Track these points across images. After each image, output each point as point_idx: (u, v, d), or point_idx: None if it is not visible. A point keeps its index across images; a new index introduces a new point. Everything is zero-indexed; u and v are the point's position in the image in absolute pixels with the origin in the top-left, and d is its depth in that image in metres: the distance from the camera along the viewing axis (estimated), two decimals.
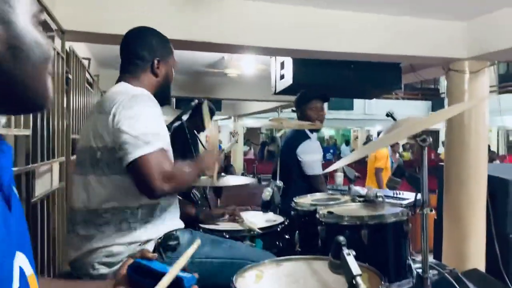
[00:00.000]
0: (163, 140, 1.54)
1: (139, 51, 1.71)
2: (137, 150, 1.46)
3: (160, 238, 1.61)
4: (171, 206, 1.69)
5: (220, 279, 1.58)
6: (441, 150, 14.76)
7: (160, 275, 0.94)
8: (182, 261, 0.98)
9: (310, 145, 2.99)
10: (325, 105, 3.24)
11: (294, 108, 3.30)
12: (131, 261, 1.01)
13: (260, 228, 2.03)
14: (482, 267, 3.30)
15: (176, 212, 1.73)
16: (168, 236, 1.61)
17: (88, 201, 1.58)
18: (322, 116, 3.19)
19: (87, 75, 4.01)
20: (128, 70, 1.72)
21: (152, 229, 1.60)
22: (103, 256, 1.55)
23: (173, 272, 0.94)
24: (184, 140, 2.74)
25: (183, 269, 0.99)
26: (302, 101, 3.24)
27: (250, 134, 23.13)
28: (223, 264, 1.63)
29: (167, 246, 1.59)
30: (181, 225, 1.73)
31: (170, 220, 1.67)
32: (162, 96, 1.78)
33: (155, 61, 1.72)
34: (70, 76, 3.09)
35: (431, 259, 2.65)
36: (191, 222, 2.08)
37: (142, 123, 1.50)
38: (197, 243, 1.05)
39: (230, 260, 1.63)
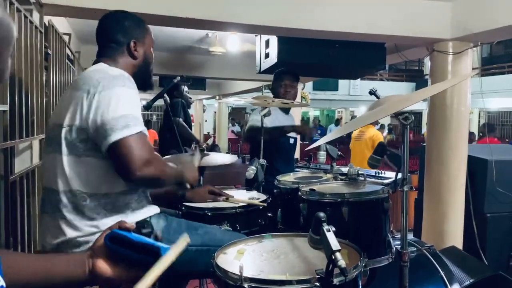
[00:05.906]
0: (142, 125, 1.49)
1: (114, 34, 1.68)
2: (117, 133, 1.41)
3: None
4: (140, 193, 1.61)
5: (196, 266, 1.58)
6: (424, 131, 14.93)
7: (138, 245, 0.93)
8: (166, 261, 0.91)
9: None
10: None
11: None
12: (108, 231, 0.99)
13: (246, 205, 2.04)
14: (459, 245, 3.38)
15: (146, 198, 1.66)
16: (141, 223, 1.55)
17: (52, 181, 1.53)
18: (291, 94, 3.21)
19: (68, 51, 3.92)
20: (105, 54, 1.68)
21: (118, 218, 1.48)
22: (70, 248, 1.48)
23: (158, 270, 0.89)
24: (167, 117, 2.71)
25: (157, 240, 0.98)
26: (274, 78, 3.29)
27: (235, 114, 23.12)
28: (199, 251, 1.60)
29: (140, 234, 1.53)
30: (155, 210, 1.67)
31: (141, 208, 1.60)
32: (143, 79, 1.74)
33: (132, 43, 1.68)
34: (50, 52, 3.01)
35: (411, 237, 2.70)
36: (175, 201, 2.06)
37: (122, 105, 1.45)
38: (184, 240, 0.99)
39: (206, 247, 1.60)
